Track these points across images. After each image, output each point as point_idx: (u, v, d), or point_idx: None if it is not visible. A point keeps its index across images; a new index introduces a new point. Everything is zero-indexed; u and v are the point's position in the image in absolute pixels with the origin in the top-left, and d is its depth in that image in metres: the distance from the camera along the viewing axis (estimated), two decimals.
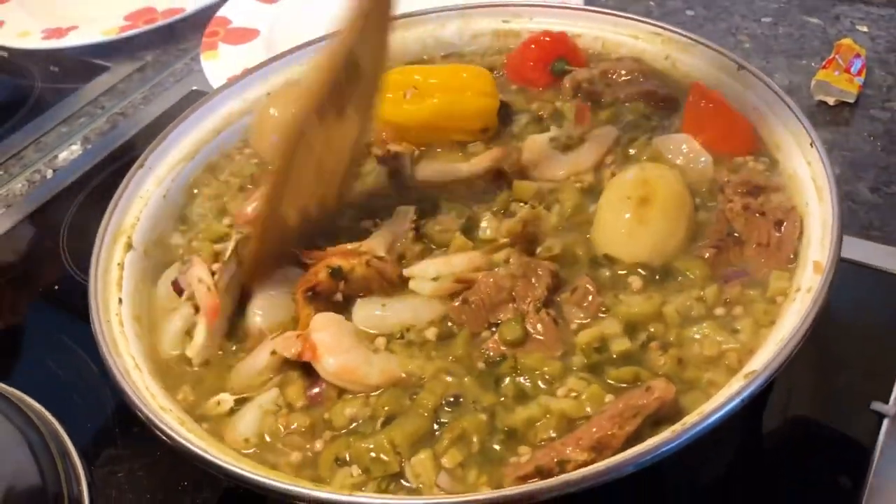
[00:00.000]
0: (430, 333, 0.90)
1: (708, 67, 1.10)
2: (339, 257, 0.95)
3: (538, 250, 0.96)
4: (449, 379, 0.85)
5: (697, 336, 0.86)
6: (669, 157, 1.05)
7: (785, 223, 0.92)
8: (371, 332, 0.92)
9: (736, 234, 0.95)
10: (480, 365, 0.87)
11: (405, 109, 1.12)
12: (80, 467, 1.01)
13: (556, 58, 1.19)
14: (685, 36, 1.13)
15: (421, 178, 1.11)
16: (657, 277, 0.92)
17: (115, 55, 1.86)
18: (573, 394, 0.82)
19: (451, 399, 0.84)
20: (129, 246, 1.00)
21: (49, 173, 1.57)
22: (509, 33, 1.27)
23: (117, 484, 1.02)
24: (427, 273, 0.94)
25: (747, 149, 1.04)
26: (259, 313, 0.95)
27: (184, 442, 0.76)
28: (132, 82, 1.79)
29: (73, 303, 1.26)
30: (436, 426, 0.82)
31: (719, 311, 0.89)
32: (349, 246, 0.98)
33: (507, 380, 0.85)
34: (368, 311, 0.94)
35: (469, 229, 1.00)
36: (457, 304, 0.91)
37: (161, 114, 1.65)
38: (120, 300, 0.94)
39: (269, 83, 1.24)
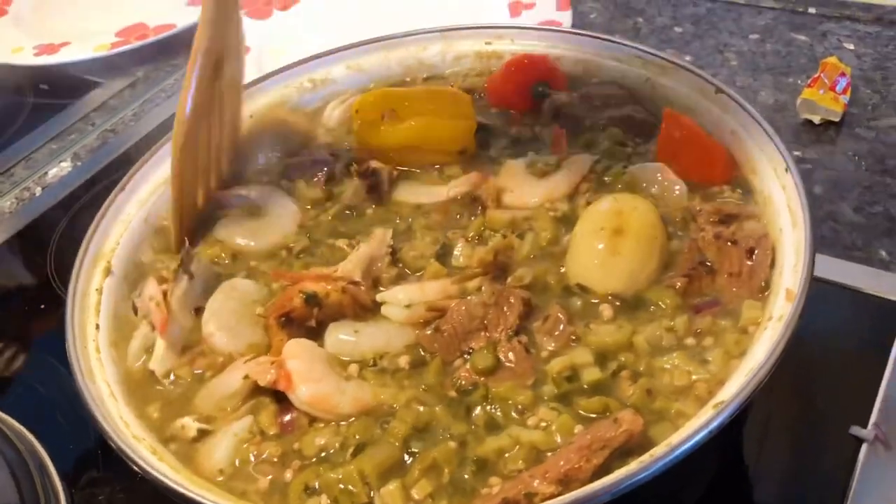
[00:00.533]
0: (403, 361, 0.90)
1: (687, 90, 1.11)
2: (313, 282, 0.95)
3: (509, 280, 0.96)
4: (420, 408, 0.85)
5: (667, 366, 0.86)
6: (644, 185, 1.05)
7: (756, 251, 0.92)
8: (343, 358, 0.92)
9: (708, 263, 0.95)
10: (452, 393, 0.87)
11: (382, 132, 1.13)
12: (59, 489, 1.02)
13: (536, 81, 1.20)
14: (664, 59, 1.13)
15: (399, 198, 1.11)
16: (628, 307, 0.92)
17: (106, 71, 1.87)
18: (543, 423, 0.82)
19: (422, 428, 0.84)
20: (109, 271, 1.01)
21: (38, 191, 1.58)
22: (492, 55, 1.28)
23: None
24: (399, 300, 0.94)
25: (722, 178, 1.04)
26: (217, 333, 0.96)
27: (155, 473, 0.76)
28: (123, 98, 1.80)
29: (58, 322, 1.26)
30: (406, 456, 0.82)
31: (689, 341, 0.88)
32: (325, 270, 0.98)
33: (479, 409, 0.85)
34: (341, 337, 0.94)
35: (443, 255, 1.00)
36: (429, 332, 0.92)
37: (151, 130, 1.66)
38: (97, 326, 0.94)
39: (255, 103, 1.24)
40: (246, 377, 0.89)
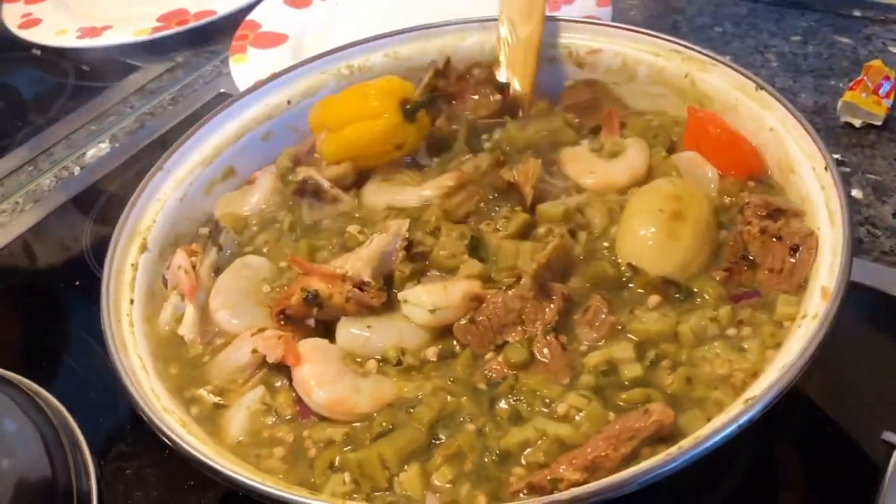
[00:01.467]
0: (431, 353, 0.89)
1: (727, 87, 1.09)
2: (320, 279, 0.92)
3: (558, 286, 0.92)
4: (448, 398, 0.85)
5: (709, 356, 0.85)
6: (674, 173, 1.05)
7: (801, 249, 0.91)
8: (357, 357, 0.91)
9: (750, 257, 0.94)
10: (481, 385, 0.86)
11: (323, 151, 1.12)
12: (90, 462, 1.03)
13: None
14: (704, 54, 1.12)
15: (368, 203, 1.09)
16: (675, 296, 0.92)
17: (146, 55, 1.89)
18: (573, 411, 0.81)
19: (448, 416, 0.83)
20: (144, 247, 1.02)
21: (77, 170, 1.61)
22: None
23: (125, 480, 1.04)
24: (423, 302, 0.90)
25: (748, 172, 1.04)
26: (221, 311, 0.98)
27: (184, 445, 0.77)
28: (162, 83, 1.83)
29: (92, 299, 1.28)
30: (429, 443, 0.82)
31: (731, 331, 0.88)
32: (336, 268, 0.94)
33: (504, 401, 0.84)
34: (353, 331, 0.91)
35: (473, 249, 0.97)
36: (463, 322, 0.90)
37: (188, 115, 1.68)
38: (132, 301, 0.96)
39: (291, 89, 1.25)
40: (254, 351, 0.90)
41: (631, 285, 0.93)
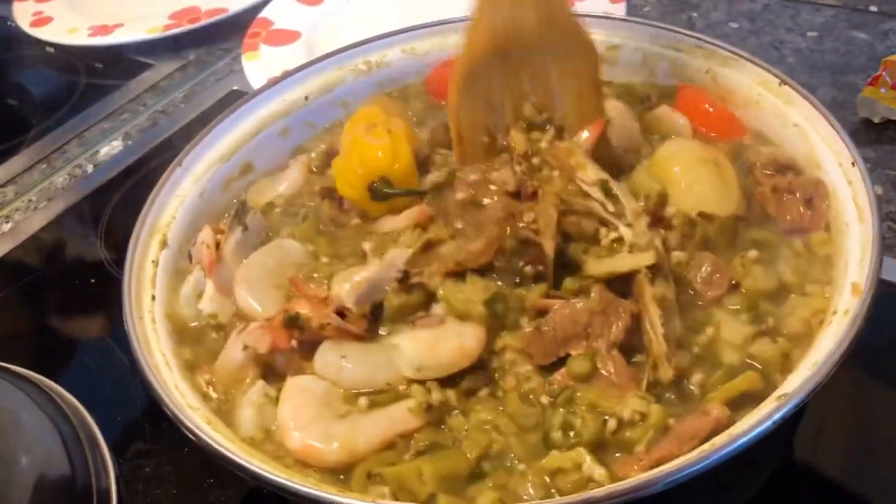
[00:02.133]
0: (452, 397, 0.84)
1: (749, 82, 1.08)
2: (307, 302, 0.88)
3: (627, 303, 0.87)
4: (494, 435, 0.82)
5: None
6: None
7: (814, 199, 0.94)
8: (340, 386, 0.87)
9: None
10: (544, 399, 0.83)
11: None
12: (108, 460, 1.02)
13: None
14: (726, 49, 1.11)
15: (381, 227, 1.04)
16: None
17: (158, 53, 1.89)
18: (637, 416, 0.79)
19: (494, 455, 0.81)
20: (165, 243, 1.01)
21: (90, 168, 1.60)
22: None
23: (144, 478, 1.04)
24: (407, 357, 0.85)
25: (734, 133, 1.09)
26: (240, 285, 0.97)
27: (210, 441, 0.76)
28: (174, 81, 1.82)
29: (107, 297, 1.28)
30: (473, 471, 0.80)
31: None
32: (323, 291, 0.90)
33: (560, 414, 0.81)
34: (327, 360, 0.87)
35: (491, 304, 0.88)
36: (528, 330, 0.86)
37: (201, 113, 1.68)
38: (153, 297, 0.95)
39: (309, 86, 1.24)
40: (245, 347, 0.89)
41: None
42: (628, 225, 0.89)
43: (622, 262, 0.87)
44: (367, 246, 0.97)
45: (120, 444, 1.06)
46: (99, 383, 1.17)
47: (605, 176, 0.93)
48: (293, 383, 0.86)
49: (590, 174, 0.93)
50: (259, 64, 1.68)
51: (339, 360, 0.86)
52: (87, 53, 1.92)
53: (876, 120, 1.40)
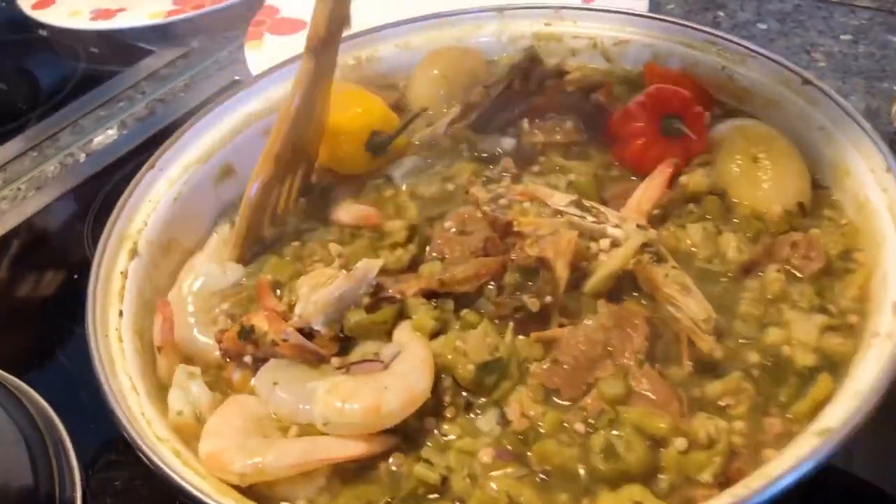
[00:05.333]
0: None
1: (768, 81, 1.00)
2: (267, 316, 0.83)
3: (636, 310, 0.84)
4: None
5: None
6: None
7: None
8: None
9: None
10: (578, 426, 0.76)
11: None
12: (76, 471, 0.97)
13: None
14: (742, 45, 1.02)
15: (334, 217, 1.02)
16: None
17: (160, 40, 1.83)
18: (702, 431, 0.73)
19: None
20: (135, 253, 0.94)
21: (82, 157, 1.54)
22: (550, 37, 1.18)
23: (113, 492, 0.97)
24: (319, 407, 0.77)
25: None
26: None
27: (177, 478, 0.71)
28: (175, 68, 1.76)
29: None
30: None
31: None
32: (282, 305, 0.85)
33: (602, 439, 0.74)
34: (259, 382, 0.83)
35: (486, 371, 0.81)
36: (546, 366, 0.80)
37: (200, 103, 1.60)
38: (120, 313, 0.88)
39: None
40: (159, 349, 0.88)
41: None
42: (616, 226, 0.87)
43: (617, 256, 0.85)
44: (334, 249, 0.92)
45: (90, 455, 1.00)
46: (73, 387, 1.10)
47: (575, 196, 0.92)
48: (234, 398, 0.83)
49: (560, 198, 0.92)
50: (261, 53, 1.61)
51: (272, 387, 0.81)
52: (88, 37, 1.85)
53: None
